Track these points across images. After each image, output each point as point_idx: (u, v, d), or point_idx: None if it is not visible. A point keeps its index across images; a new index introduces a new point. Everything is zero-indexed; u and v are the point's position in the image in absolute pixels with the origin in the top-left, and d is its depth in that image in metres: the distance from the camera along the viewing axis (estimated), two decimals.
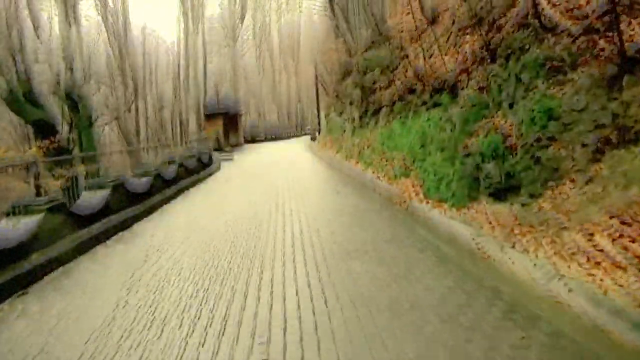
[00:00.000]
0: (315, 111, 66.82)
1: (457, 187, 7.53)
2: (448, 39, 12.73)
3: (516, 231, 5.36)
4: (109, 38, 34.93)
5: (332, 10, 28.85)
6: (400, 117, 13.66)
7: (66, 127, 13.64)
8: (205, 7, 41.32)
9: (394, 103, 14.91)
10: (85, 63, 16.32)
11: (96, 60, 33.15)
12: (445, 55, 11.59)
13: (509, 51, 7.32)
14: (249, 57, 57.86)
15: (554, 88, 5.87)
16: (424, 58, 13.86)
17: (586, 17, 5.69)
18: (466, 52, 9.13)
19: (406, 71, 15.09)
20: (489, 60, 8.06)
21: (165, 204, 10.46)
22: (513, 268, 4.88)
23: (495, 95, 7.43)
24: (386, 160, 13.15)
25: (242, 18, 49.30)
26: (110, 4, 35.68)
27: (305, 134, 58.65)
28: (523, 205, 5.65)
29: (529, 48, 6.76)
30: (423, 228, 7.29)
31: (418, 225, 7.52)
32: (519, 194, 5.86)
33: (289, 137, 50.16)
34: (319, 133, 37.82)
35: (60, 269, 6.38)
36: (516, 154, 6.19)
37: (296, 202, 10.06)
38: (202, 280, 5.42)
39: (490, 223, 6.01)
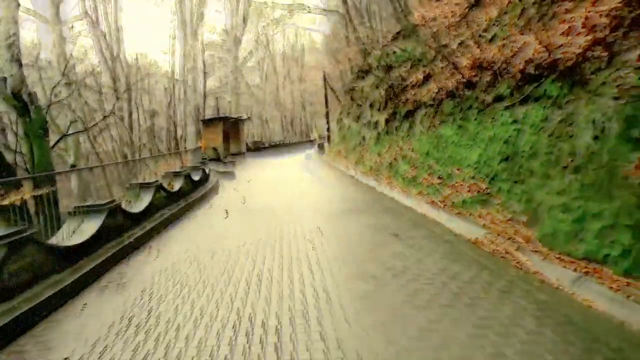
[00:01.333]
0: (323, 118, 63.79)
1: (633, 240, 4.15)
2: (520, 15, 9.41)
3: None
4: (98, 40, 31.95)
5: (345, 4, 25.67)
6: (454, 120, 10.30)
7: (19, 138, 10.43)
8: (205, 5, 38.18)
9: (440, 102, 11.55)
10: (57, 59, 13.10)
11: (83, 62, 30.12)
12: (530, 31, 8.28)
13: None
14: (251, 62, 54.90)
15: None
16: (478, 44, 10.56)
17: None
18: (601, 14, 5.77)
19: (449, 63, 11.79)
20: None
21: (112, 266, 6.51)
22: None
23: None
24: (439, 179, 9.77)
25: (245, 22, 46.27)
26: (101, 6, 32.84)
27: (310, 141, 55.47)
28: None
29: None
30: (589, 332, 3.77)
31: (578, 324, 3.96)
32: None
33: (293, 145, 46.84)
34: (328, 141, 34.53)
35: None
36: None
37: (344, 262, 5.52)
38: None
39: None
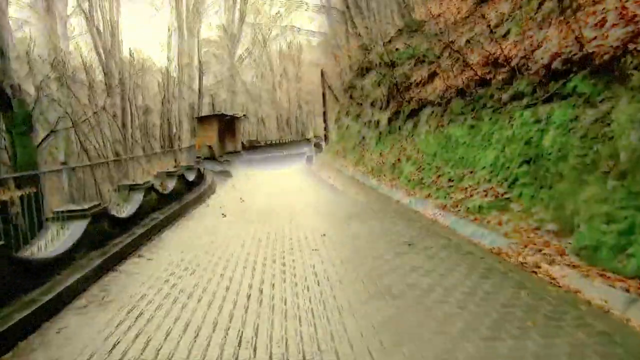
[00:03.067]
0: (319, 117, 63.05)
1: None
2: (538, 8, 8.86)
3: None
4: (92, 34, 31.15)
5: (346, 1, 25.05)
6: (465, 120, 9.73)
7: None
8: (202, 2, 37.40)
9: (448, 100, 10.98)
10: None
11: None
12: (550, 25, 7.73)
13: None
14: (248, 60, 54.09)
15: None
16: (491, 40, 10.01)
17: None
18: None
19: (458, 60, 11.23)
20: None
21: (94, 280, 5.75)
22: None
23: None
24: (449, 181, 9.20)
25: (242, 19, 45.51)
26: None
27: (307, 140, 54.79)
28: None
29: None
30: None
31: None
32: None
33: (290, 144, 46.18)
34: (326, 140, 33.90)
35: None
36: None
37: (357, 277, 4.83)
38: None
39: None
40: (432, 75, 13.58)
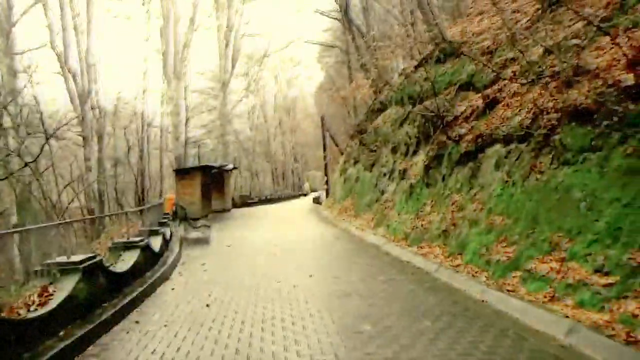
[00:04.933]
0: (317, 170, 59.49)
1: None
2: None
3: None
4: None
5: (351, 33, 21.71)
6: (604, 159, 5.53)
7: None
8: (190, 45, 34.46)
9: (550, 130, 6.82)
10: None
11: None
12: None
13: None
14: (240, 110, 51.00)
15: None
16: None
17: None
18: None
19: (554, 74, 7.30)
20: None
21: None
22: None
23: None
24: (600, 276, 4.82)
25: (233, 65, 42.65)
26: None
27: (304, 195, 50.87)
28: None
29: None
30: None
31: None
32: None
33: (286, 199, 41.98)
34: (327, 195, 29.67)
35: None
36: None
37: None
38: None
39: None
40: (492, 103, 9.59)
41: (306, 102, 65.56)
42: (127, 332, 4.79)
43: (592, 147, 5.80)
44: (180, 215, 14.17)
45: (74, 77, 28.27)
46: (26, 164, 11.82)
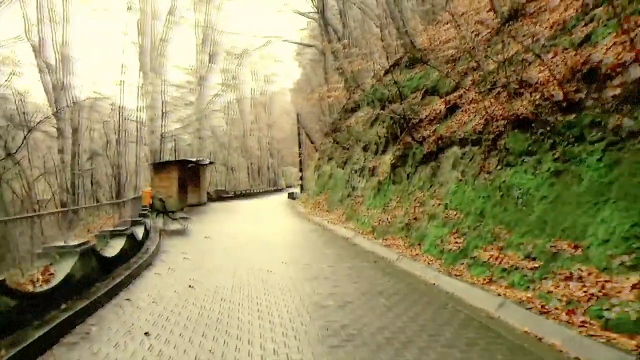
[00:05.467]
0: (292, 166, 60.00)
1: None
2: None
3: None
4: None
5: (327, 35, 22.45)
6: (538, 162, 6.45)
7: None
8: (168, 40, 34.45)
9: (497, 136, 7.75)
10: None
11: None
12: None
13: None
14: (217, 105, 51.02)
15: None
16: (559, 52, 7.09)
17: None
18: None
19: (506, 83, 8.21)
20: None
21: None
22: None
23: None
24: (529, 260, 5.73)
25: (211, 60, 42.69)
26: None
27: (279, 190, 51.36)
28: None
29: None
30: None
31: None
32: None
33: (261, 194, 42.46)
34: (302, 190, 30.39)
35: None
36: None
37: None
38: None
39: None
40: (453, 108, 10.51)
41: (283, 98, 66.02)
42: (121, 307, 5.42)
43: (528, 152, 6.74)
44: (159, 207, 14.60)
45: (49, 69, 28.03)
46: (9, 154, 12.00)
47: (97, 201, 23.65)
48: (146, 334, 4.45)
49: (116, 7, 32.61)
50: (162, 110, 35.18)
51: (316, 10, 23.39)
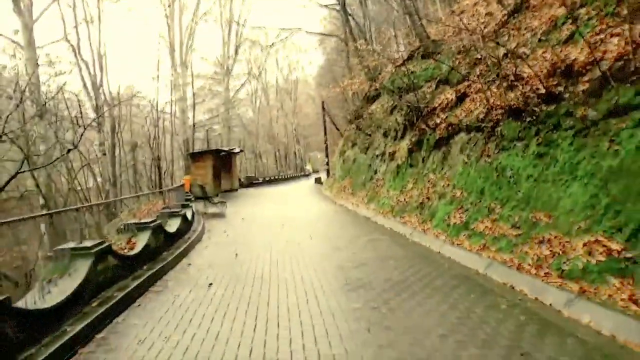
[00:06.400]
0: (319, 151, 61.31)
1: None
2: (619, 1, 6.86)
3: None
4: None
5: (349, 27, 23.42)
6: (526, 147, 7.55)
7: None
8: (195, 34, 36.05)
9: (495, 123, 8.83)
10: None
11: None
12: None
13: None
14: (243, 94, 52.73)
15: None
16: (547, 48, 8.04)
17: None
18: None
19: (503, 76, 9.18)
20: None
21: None
22: None
23: None
24: (514, 228, 6.90)
25: (236, 52, 44.16)
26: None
27: (306, 175, 52.88)
28: None
29: None
30: None
31: None
32: None
33: (289, 180, 44.06)
34: (328, 175, 31.76)
35: None
36: None
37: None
38: None
39: None
40: (462, 97, 11.55)
41: (308, 85, 67.09)
42: (185, 269, 6.98)
43: (519, 137, 7.83)
44: (199, 193, 16.24)
45: (87, 66, 30.14)
46: (69, 150, 13.79)
47: (140, 189, 25.65)
48: (210, 284, 5.95)
49: (147, 7, 34.35)
50: (191, 101, 37.09)
51: (337, 2, 24.36)
